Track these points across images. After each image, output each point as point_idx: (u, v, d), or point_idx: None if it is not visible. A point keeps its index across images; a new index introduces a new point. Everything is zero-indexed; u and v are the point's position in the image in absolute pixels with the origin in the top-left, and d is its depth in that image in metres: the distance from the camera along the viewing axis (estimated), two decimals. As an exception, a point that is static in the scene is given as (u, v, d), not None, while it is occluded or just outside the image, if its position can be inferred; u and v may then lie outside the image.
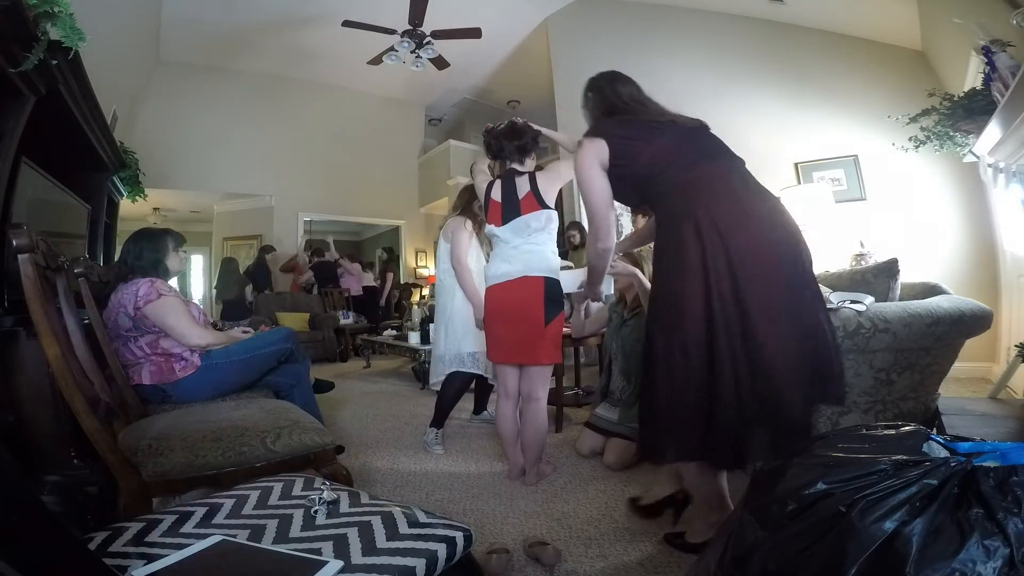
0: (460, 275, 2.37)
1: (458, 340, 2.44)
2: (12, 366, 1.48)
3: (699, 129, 1.37)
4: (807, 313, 1.17)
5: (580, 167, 1.37)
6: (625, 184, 1.35)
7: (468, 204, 2.46)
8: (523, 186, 1.90)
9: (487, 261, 2.25)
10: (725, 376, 1.11)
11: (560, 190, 1.96)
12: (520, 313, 1.84)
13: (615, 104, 1.45)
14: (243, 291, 5.99)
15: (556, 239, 1.97)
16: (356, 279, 6.95)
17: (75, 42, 1.60)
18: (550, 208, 1.89)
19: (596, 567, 1.34)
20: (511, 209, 1.90)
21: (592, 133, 1.39)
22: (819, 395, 1.19)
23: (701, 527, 1.33)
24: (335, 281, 6.78)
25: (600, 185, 1.35)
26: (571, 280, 1.96)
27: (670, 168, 1.27)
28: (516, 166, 1.97)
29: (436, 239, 8.59)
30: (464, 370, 2.43)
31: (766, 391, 1.10)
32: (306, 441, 1.27)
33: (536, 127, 1.98)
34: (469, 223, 2.42)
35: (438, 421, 2.45)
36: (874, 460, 0.73)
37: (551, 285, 1.86)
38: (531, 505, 1.75)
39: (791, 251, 1.19)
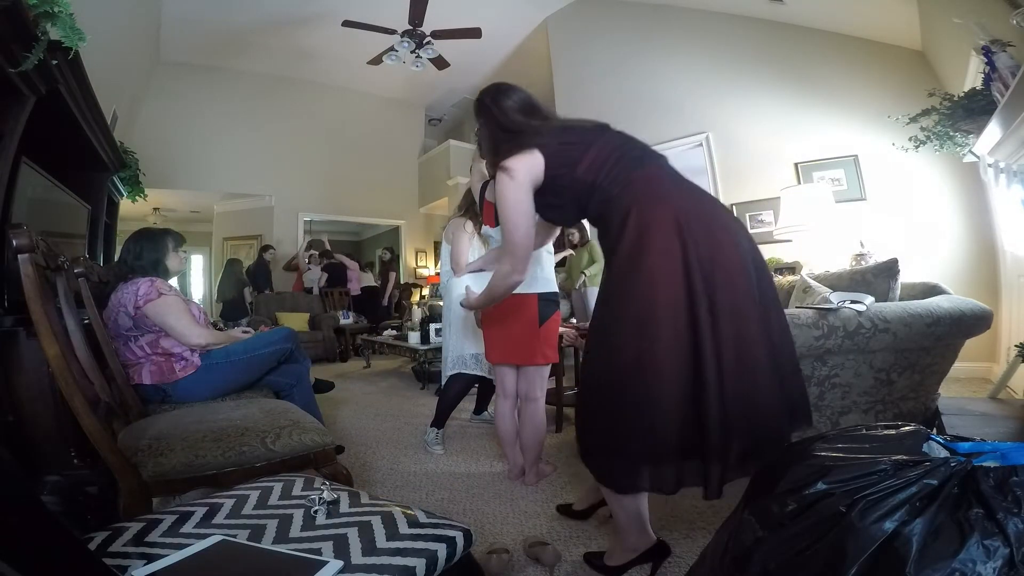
0: (458, 277, 2.37)
1: (460, 342, 2.44)
2: (12, 366, 1.48)
3: (622, 132, 1.27)
4: (779, 320, 1.12)
5: (508, 190, 1.17)
6: (565, 195, 1.20)
7: (471, 205, 2.46)
8: None
9: None
10: (711, 389, 1.00)
11: None
12: (515, 314, 1.84)
13: (509, 126, 1.28)
14: (242, 292, 6.03)
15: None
16: (355, 276, 6.97)
17: (75, 42, 1.60)
18: None
19: (596, 567, 1.34)
20: None
21: (520, 147, 1.19)
22: (792, 421, 1.12)
23: (620, 551, 1.28)
24: (344, 282, 6.80)
25: (529, 216, 1.20)
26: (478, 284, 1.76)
27: (616, 167, 1.15)
28: None
29: (439, 240, 8.55)
30: (466, 371, 2.43)
31: (750, 413, 1.02)
32: (306, 441, 1.27)
33: None
34: (470, 224, 2.41)
35: (439, 421, 2.45)
36: (874, 460, 0.73)
37: (544, 288, 1.86)
38: (531, 505, 1.75)
39: (758, 256, 1.13)
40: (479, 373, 2.44)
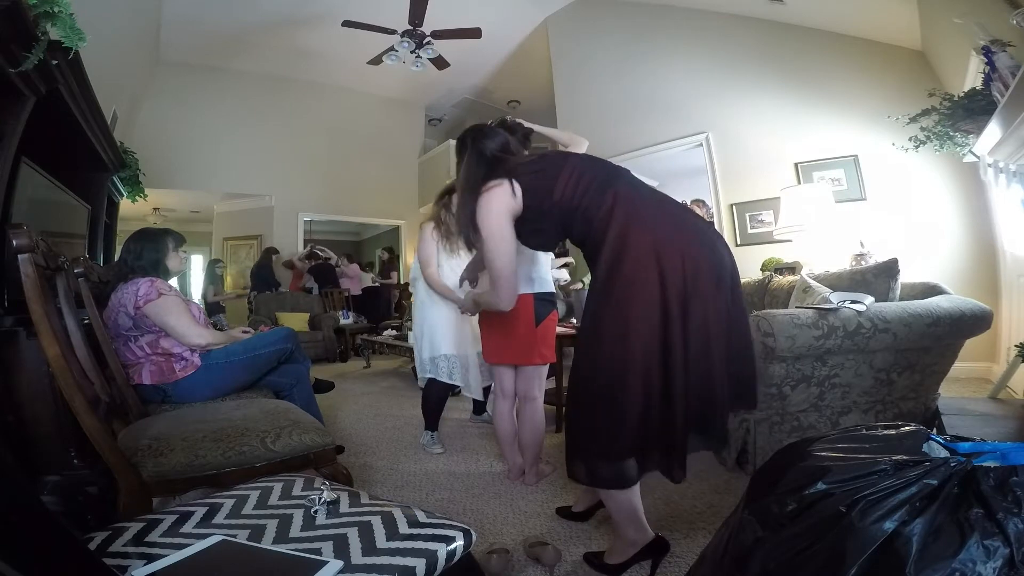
0: (431, 286, 2.34)
1: (419, 347, 2.44)
2: (12, 366, 1.48)
3: (585, 156, 1.37)
4: (742, 334, 1.22)
5: (488, 217, 1.23)
6: (546, 221, 1.27)
7: (445, 196, 2.16)
8: None
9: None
10: (677, 393, 1.11)
11: None
12: (513, 314, 1.84)
13: (488, 160, 1.34)
14: (205, 291, 6.27)
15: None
16: (356, 280, 6.98)
17: (75, 42, 1.59)
18: None
19: (596, 567, 1.34)
20: None
21: (496, 176, 1.27)
22: (737, 405, 1.26)
23: (620, 548, 1.30)
24: (335, 282, 6.81)
25: (510, 242, 1.26)
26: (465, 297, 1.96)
27: (591, 189, 1.22)
28: None
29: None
30: (427, 375, 2.40)
31: (706, 407, 1.14)
32: (306, 441, 1.27)
33: (529, 124, 1.96)
34: (429, 227, 2.29)
35: (430, 424, 2.45)
36: (874, 460, 0.73)
37: (541, 288, 1.86)
38: (531, 505, 1.75)
39: (730, 267, 1.20)
40: (437, 376, 2.37)
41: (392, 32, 5.01)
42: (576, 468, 1.23)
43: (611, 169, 1.30)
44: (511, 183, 1.26)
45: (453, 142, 7.72)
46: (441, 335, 2.37)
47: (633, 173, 1.32)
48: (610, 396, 1.14)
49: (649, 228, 1.15)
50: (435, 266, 2.34)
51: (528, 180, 1.25)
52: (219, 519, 0.81)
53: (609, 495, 1.25)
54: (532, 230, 1.31)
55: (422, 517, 0.79)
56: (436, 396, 2.45)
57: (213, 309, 6.11)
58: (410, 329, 4.14)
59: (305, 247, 7.23)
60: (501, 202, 1.24)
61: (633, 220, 1.17)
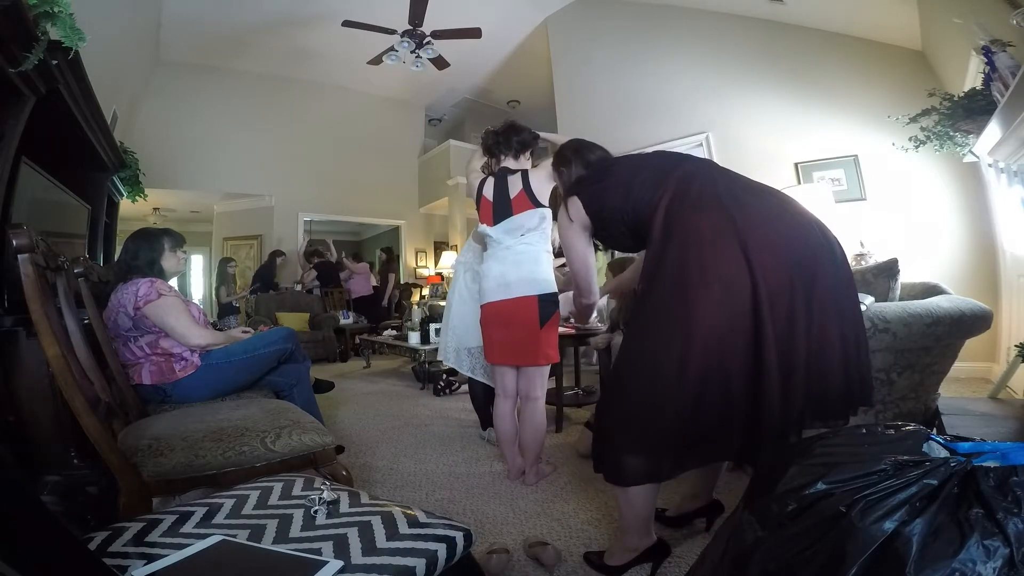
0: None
1: (444, 336, 2.36)
2: (12, 366, 1.48)
3: (660, 152, 1.41)
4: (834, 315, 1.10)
5: (562, 230, 1.42)
6: (611, 228, 1.33)
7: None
8: (515, 184, 1.90)
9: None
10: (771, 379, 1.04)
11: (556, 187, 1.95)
12: (515, 316, 1.84)
13: (575, 177, 1.47)
14: (217, 292, 6.20)
15: (550, 237, 1.97)
16: (365, 279, 6.96)
17: (75, 42, 1.60)
18: (543, 206, 1.88)
19: (596, 567, 1.33)
20: (503, 209, 1.90)
21: (568, 193, 1.41)
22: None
23: (621, 550, 1.29)
24: (337, 281, 6.79)
25: (580, 249, 1.40)
26: (564, 305, 2.08)
27: (637, 190, 1.24)
28: (509, 164, 1.97)
29: (439, 240, 8.35)
30: (449, 363, 2.34)
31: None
32: (306, 441, 1.27)
33: (534, 132, 2.01)
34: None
35: (483, 424, 2.51)
36: (874, 460, 0.73)
37: (545, 290, 1.86)
38: (531, 505, 1.75)
39: (810, 261, 1.10)
40: (460, 368, 2.30)
41: (392, 32, 5.01)
42: (602, 461, 1.20)
43: (666, 164, 1.30)
44: (574, 199, 1.36)
45: (453, 142, 7.74)
46: (473, 329, 2.26)
47: (701, 159, 1.34)
48: (651, 381, 1.10)
49: (699, 213, 1.12)
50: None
51: (588, 194, 1.34)
52: (219, 519, 0.81)
53: (626, 497, 1.22)
54: (605, 236, 1.39)
55: (422, 517, 0.79)
56: (483, 393, 2.44)
57: (227, 310, 6.02)
58: (411, 329, 4.15)
59: (308, 245, 7.19)
60: (566, 216, 1.38)
61: (678, 208, 1.16)
